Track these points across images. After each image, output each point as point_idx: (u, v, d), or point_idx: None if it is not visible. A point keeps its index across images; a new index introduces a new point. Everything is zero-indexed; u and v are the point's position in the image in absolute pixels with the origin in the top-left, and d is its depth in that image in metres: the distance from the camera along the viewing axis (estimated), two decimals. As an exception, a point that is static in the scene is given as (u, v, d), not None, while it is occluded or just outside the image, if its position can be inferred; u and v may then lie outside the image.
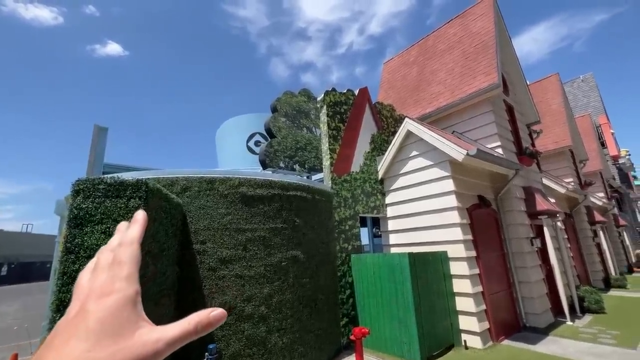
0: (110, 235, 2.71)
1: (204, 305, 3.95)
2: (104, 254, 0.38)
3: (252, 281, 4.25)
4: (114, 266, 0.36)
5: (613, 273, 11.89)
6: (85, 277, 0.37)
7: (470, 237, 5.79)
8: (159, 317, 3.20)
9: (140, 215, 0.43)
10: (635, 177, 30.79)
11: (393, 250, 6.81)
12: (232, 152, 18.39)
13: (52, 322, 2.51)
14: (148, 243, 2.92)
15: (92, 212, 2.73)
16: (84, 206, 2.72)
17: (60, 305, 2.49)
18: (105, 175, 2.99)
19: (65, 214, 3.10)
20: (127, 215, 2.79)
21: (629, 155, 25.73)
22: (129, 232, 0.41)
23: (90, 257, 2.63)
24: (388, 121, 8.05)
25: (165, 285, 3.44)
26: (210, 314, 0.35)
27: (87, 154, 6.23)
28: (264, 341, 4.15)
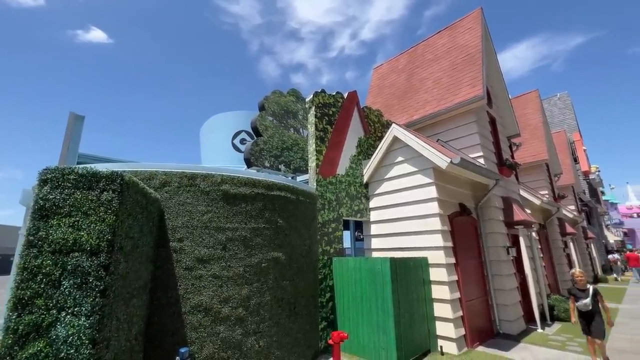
0: (79, 229, 2.54)
1: (177, 306, 3.79)
2: None
3: (230, 282, 4.12)
4: None
5: (580, 283, 12.46)
6: None
7: (450, 244, 5.88)
8: (129, 318, 3.03)
9: None
10: (603, 193, 32.60)
11: (374, 254, 6.83)
12: (217, 150, 18.02)
13: (9, 321, 2.31)
14: (121, 239, 2.76)
15: (60, 203, 2.55)
16: (50, 197, 2.53)
17: (18, 304, 2.30)
18: (77, 166, 2.81)
19: (30, 204, 2.89)
20: (99, 209, 2.62)
21: (599, 171, 27.21)
22: None
23: (54, 252, 2.46)
24: (375, 126, 8.11)
25: (137, 284, 3.26)
26: None
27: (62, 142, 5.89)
28: (240, 344, 4.03)
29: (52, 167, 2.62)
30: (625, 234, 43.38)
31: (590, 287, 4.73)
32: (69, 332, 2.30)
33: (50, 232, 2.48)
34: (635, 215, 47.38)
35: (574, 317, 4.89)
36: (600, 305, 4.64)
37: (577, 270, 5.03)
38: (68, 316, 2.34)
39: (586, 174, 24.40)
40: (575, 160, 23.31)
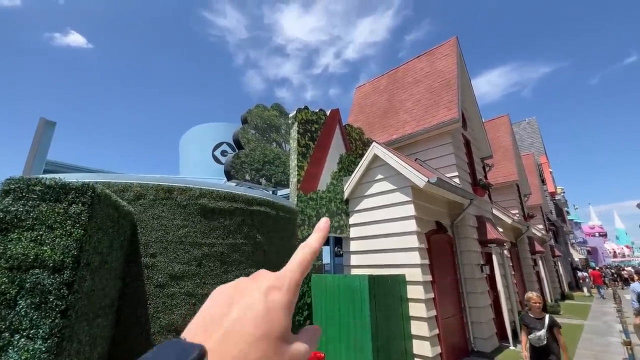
0: (41, 243, 2.39)
1: (147, 325, 3.58)
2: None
3: (204, 300, 3.91)
4: (287, 269, 0.36)
5: (549, 300, 12.96)
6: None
7: (427, 261, 5.99)
8: (92, 339, 2.83)
9: (322, 224, 0.42)
10: (568, 213, 34.57)
11: (354, 271, 6.82)
12: (196, 161, 17.64)
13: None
14: (88, 255, 2.61)
15: (22, 216, 2.39)
16: (12, 209, 2.38)
17: (-35, 326, 2.10)
18: (45, 176, 2.67)
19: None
20: (66, 223, 2.48)
21: (564, 192, 28.93)
22: (310, 239, 0.40)
23: (13, 268, 2.28)
24: (356, 143, 8.28)
25: (104, 303, 3.07)
26: (316, 333, 0.36)
27: (28, 149, 5.59)
28: (212, 367, 3.83)
29: (17, 177, 2.47)
30: (588, 252, 45.92)
31: (547, 317, 3.83)
32: (22, 357, 2.11)
33: (9, 246, 2.31)
34: (597, 234, 50.48)
35: (526, 351, 3.85)
36: (557, 341, 3.68)
37: (533, 294, 4.03)
38: (22, 339, 2.15)
39: (552, 194, 25.88)
40: (543, 181, 24.70)
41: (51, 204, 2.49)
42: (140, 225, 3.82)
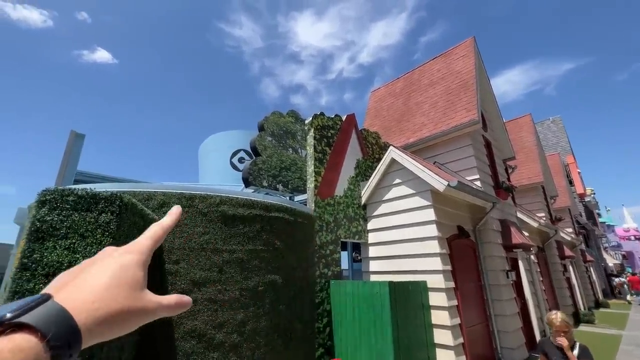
0: (74, 251, 2.51)
1: (170, 331, 3.67)
2: None
3: (225, 306, 4.01)
4: (139, 239, 0.45)
5: (582, 308, 12.25)
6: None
7: (449, 267, 5.82)
8: (121, 344, 2.93)
9: (174, 209, 0.51)
10: (599, 215, 32.72)
11: (372, 277, 6.72)
12: (215, 168, 18.09)
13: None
14: (116, 262, 2.71)
15: (57, 225, 2.52)
16: (48, 218, 2.51)
17: (6, 330, 2.22)
18: (77, 186, 2.81)
19: (26, 224, 2.85)
20: (96, 231, 2.60)
21: (594, 194, 27.43)
22: (162, 219, 0.49)
23: (48, 275, 2.41)
24: (373, 148, 8.22)
25: (130, 309, 3.18)
26: (184, 298, 0.43)
27: (60, 160, 5.90)
28: (234, 373, 3.87)
29: (52, 188, 2.62)
30: (624, 256, 43.12)
31: (577, 345, 2.98)
32: (57, 361, 2.21)
33: (45, 254, 2.44)
34: (632, 237, 47.30)
35: None
36: None
37: (558, 315, 3.03)
38: (57, 343, 2.26)
39: (582, 196, 24.57)
40: (570, 182, 23.55)
41: (83, 213, 2.61)
42: (164, 233, 3.94)
